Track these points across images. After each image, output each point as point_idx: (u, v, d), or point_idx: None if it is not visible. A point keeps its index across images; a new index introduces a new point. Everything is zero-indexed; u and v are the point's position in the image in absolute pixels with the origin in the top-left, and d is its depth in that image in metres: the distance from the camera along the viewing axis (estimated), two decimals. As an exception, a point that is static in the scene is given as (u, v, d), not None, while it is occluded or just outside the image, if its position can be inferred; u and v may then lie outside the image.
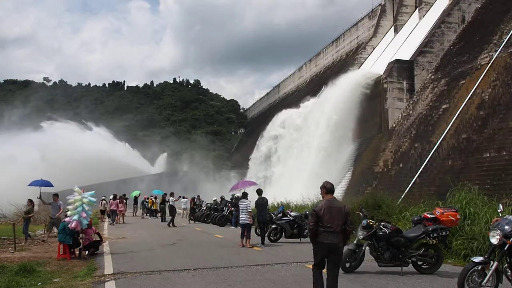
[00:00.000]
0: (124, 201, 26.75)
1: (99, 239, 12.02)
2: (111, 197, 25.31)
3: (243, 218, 12.89)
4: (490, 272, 5.97)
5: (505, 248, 5.98)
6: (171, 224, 21.40)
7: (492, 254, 6.18)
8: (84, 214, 10.75)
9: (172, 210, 22.75)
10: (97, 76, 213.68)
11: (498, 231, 5.99)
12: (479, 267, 6.10)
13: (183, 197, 27.40)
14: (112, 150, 55.48)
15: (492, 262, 6.02)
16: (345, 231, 5.97)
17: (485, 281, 5.99)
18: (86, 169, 43.31)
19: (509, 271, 6.13)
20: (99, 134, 61.92)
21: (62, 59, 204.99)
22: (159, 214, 27.10)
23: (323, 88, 42.59)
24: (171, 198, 23.94)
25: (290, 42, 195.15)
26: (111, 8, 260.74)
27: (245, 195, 13.64)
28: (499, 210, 6.67)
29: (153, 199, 30.71)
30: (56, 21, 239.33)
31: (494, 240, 6.02)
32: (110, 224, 23.33)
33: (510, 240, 5.93)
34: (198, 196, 30.74)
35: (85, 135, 56.94)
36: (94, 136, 59.02)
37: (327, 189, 6.19)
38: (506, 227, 6.00)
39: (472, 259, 6.34)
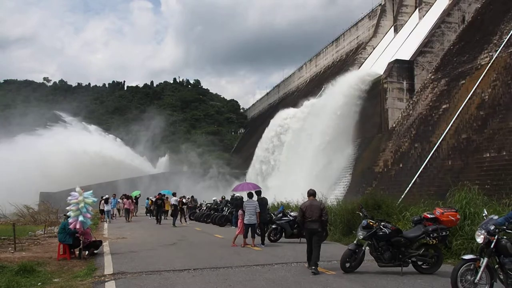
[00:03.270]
0: (134, 200, 29.12)
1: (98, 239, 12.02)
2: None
3: (251, 218, 12.82)
4: (482, 268, 6.06)
5: (492, 246, 6.11)
6: (173, 224, 21.57)
7: (482, 253, 6.29)
8: (88, 215, 10.75)
9: (175, 210, 22.83)
10: (98, 76, 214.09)
11: (483, 231, 6.22)
12: (472, 266, 6.19)
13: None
14: (112, 150, 55.40)
15: (482, 259, 6.11)
16: (321, 220, 8.80)
17: (477, 278, 6.06)
18: (85, 169, 43.25)
19: (500, 271, 6.19)
20: (99, 134, 61.87)
21: (64, 59, 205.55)
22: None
23: (323, 88, 42.60)
24: (174, 198, 23.93)
25: (291, 43, 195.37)
26: (113, 8, 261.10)
27: (251, 195, 13.62)
28: (483, 215, 6.84)
29: (152, 199, 30.68)
30: (58, 21, 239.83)
31: (480, 239, 6.24)
32: (126, 221, 25.41)
33: (495, 237, 6.10)
34: (185, 196, 30.61)
35: (84, 135, 56.83)
36: (93, 136, 58.95)
37: (309, 193, 9.20)
38: (489, 226, 6.21)
39: (462, 257, 6.46)
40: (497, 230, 6.14)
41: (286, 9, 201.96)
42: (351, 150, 32.02)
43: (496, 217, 6.36)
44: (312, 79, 64.65)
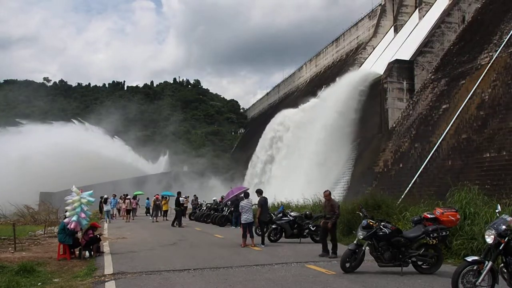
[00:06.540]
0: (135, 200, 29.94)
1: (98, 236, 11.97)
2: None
3: (248, 218, 12.81)
4: (485, 272, 5.96)
5: (500, 248, 6.00)
6: (175, 224, 21.59)
7: (488, 254, 6.18)
8: (83, 215, 10.73)
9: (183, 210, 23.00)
10: (99, 76, 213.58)
11: (493, 231, 6.03)
12: (475, 267, 6.09)
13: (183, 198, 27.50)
14: (112, 150, 55.42)
15: (486, 262, 6.02)
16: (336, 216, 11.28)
17: (479, 280, 5.98)
18: (84, 169, 43.26)
19: (505, 270, 6.12)
20: (98, 134, 61.84)
21: (65, 59, 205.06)
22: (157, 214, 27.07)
23: (323, 88, 42.60)
24: (181, 198, 23.93)
25: (293, 43, 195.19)
26: (115, 8, 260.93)
27: (247, 195, 13.64)
28: (497, 211, 6.69)
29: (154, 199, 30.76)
30: (60, 21, 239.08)
31: (489, 239, 6.05)
32: (132, 220, 26.44)
33: (505, 239, 5.97)
34: (187, 196, 30.70)
35: (83, 135, 56.83)
36: (93, 137, 58.93)
37: (325, 195, 11.42)
38: (501, 226, 6.04)
39: (465, 258, 6.34)
40: (508, 232, 6.01)
41: (287, 10, 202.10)
42: (351, 150, 32.03)
43: (509, 218, 6.14)
44: (312, 79, 64.62)
